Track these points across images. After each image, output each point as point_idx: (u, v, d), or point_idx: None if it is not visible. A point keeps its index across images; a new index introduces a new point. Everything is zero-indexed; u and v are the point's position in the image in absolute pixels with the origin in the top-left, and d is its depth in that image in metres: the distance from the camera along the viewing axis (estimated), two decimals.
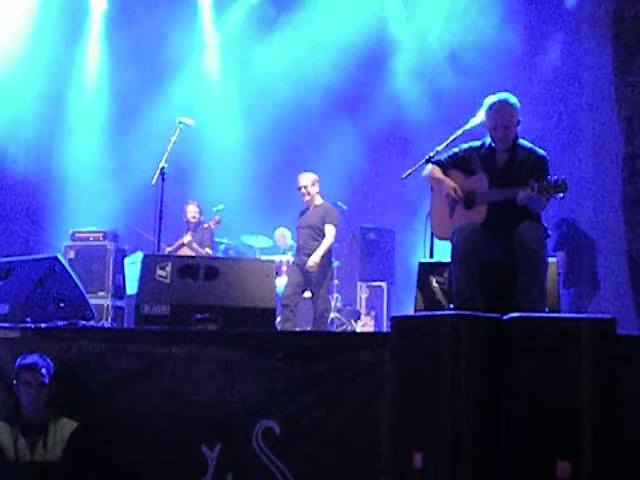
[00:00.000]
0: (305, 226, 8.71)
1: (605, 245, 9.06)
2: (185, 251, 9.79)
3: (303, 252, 8.64)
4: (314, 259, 8.43)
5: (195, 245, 9.80)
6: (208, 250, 9.91)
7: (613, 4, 7.30)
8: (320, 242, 8.56)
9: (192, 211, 10.18)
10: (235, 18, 12.36)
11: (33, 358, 4.65)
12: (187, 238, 9.83)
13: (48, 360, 4.69)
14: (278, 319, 8.21)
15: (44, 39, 11.69)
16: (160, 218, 7.38)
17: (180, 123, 7.95)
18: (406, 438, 3.52)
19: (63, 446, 4.57)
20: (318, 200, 8.83)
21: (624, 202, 6.57)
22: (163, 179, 7.40)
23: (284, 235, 10.54)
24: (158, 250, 7.38)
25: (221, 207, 10.12)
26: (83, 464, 4.58)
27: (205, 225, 10.00)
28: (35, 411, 4.61)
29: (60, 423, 4.63)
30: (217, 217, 9.90)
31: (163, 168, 7.43)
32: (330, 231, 8.60)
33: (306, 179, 8.76)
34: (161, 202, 7.38)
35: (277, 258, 9.77)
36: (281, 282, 9.15)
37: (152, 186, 7.40)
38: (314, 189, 8.74)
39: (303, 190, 8.76)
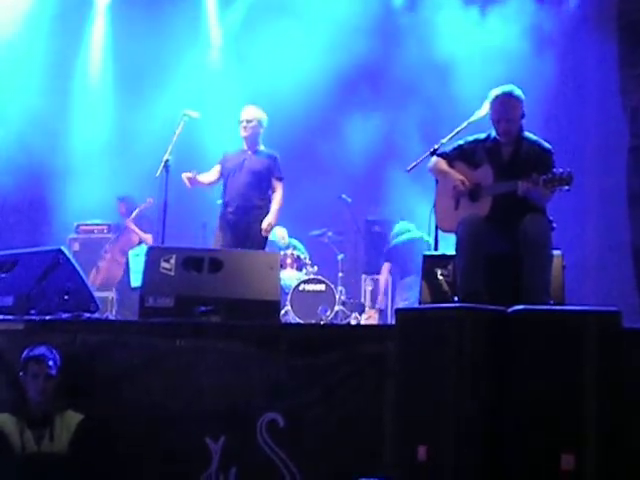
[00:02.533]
0: (247, 172, 7.48)
1: (610, 239, 9.03)
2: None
3: (239, 205, 7.47)
4: (270, 221, 7.37)
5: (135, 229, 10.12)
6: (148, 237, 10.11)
7: None
8: (263, 195, 7.53)
9: (121, 205, 10.47)
10: (240, 4, 12.33)
11: (41, 350, 4.66)
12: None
13: (55, 352, 4.70)
14: None
15: (47, 27, 11.66)
16: (165, 211, 7.25)
17: (184, 115, 7.77)
18: (410, 431, 3.51)
19: (69, 438, 4.59)
20: (261, 145, 7.70)
21: (629, 195, 6.55)
22: (167, 172, 7.26)
23: (282, 236, 10.50)
24: (163, 242, 7.25)
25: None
26: (89, 456, 4.58)
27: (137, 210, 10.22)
28: (41, 403, 4.62)
29: (66, 415, 4.64)
30: (149, 199, 10.03)
31: (167, 160, 7.28)
32: (281, 188, 7.55)
33: (250, 114, 7.62)
34: (165, 194, 7.26)
35: (281, 251, 9.75)
36: (285, 275, 9.13)
37: (156, 178, 7.38)
38: (257, 129, 7.59)
39: (242, 130, 7.56)
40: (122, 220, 10.53)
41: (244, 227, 7.36)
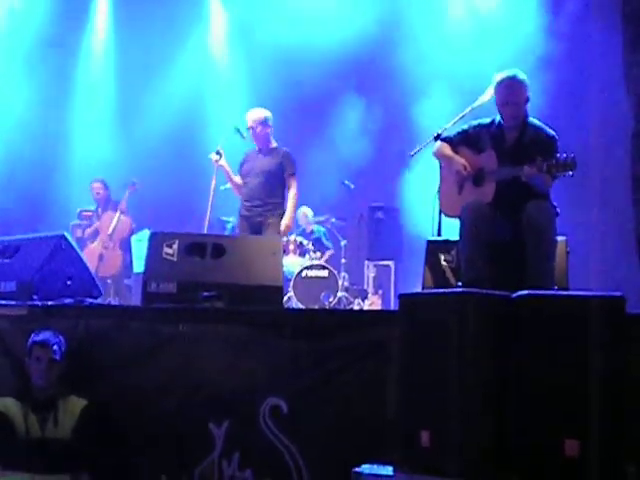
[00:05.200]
0: (259, 172, 7.72)
1: (613, 224, 9.01)
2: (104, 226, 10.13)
3: (253, 203, 7.70)
4: (287, 223, 7.62)
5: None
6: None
7: None
8: (275, 192, 7.72)
9: (96, 187, 10.33)
10: None
11: (45, 334, 4.66)
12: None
13: (60, 337, 4.70)
14: None
15: (49, 19, 11.66)
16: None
17: (237, 131, 7.90)
18: (413, 416, 3.51)
19: (73, 423, 4.59)
20: (273, 142, 7.90)
21: (633, 180, 6.53)
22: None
23: (306, 214, 10.53)
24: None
25: (229, 185, 10.10)
26: (93, 442, 4.59)
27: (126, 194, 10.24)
28: (45, 387, 4.62)
29: (69, 400, 4.64)
30: (133, 180, 10.21)
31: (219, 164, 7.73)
32: (295, 185, 7.74)
33: (255, 116, 7.83)
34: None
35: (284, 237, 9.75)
36: (288, 261, 9.13)
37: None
38: (265, 130, 7.80)
39: (251, 133, 7.79)
40: (95, 204, 10.49)
41: (259, 223, 7.54)
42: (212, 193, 7.96)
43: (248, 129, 7.79)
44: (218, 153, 7.84)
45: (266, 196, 7.66)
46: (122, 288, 10.10)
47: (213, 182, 7.95)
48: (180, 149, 11.61)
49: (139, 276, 6.38)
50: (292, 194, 7.68)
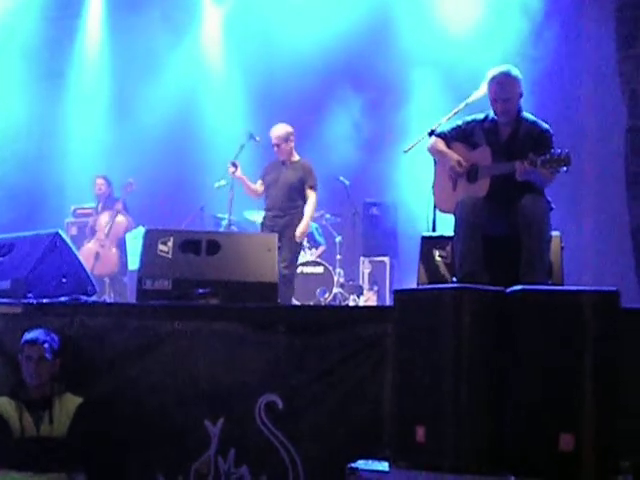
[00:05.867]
0: (282, 184, 8.06)
1: (609, 220, 9.03)
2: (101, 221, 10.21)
3: (276, 213, 8.05)
4: (303, 230, 7.97)
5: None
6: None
7: None
8: (297, 203, 8.06)
9: (99, 183, 10.39)
10: None
11: (36, 333, 4.65)
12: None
13: (53, 335, 4.69)
14: None
15: (43, 16, 11.65)
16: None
17: (250, 137, 8.37)
18: (408, 412, 3.51)
19: (68, 421, 4.59)
20: (295, 156, 8.26)
21: (628, 176, 6.54)
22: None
23: None
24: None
25: (223, 183, 10.07)
26: (88, 439, 4.59)
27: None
28: (37, 386, 4.61)
29: (64, 398, 4.64)
30: (130, 180, 10.29)
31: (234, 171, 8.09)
32: (314, 196, 8.10)
33: (279, 133, 8.14)
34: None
35: None
36: None
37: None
38: (288, 145, 8.14)
39: (275, 148, 8.16)
40: (96, 200, 10.54)
41: (279, 232, 7.65)
42: (230, 205, 8.42)
43: (273, 146, 8.16)
44: (234, 165, 8.20)
45: (287, 207, 8.03)
46: (122, 287, 10.12)
47: (230, 195, 8.36)
48: (175, 147, 11.60)
49: (134, 274, 6.38)
50: (310, 204, 8.07)
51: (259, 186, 8.30)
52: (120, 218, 10.22)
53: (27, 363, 4.60)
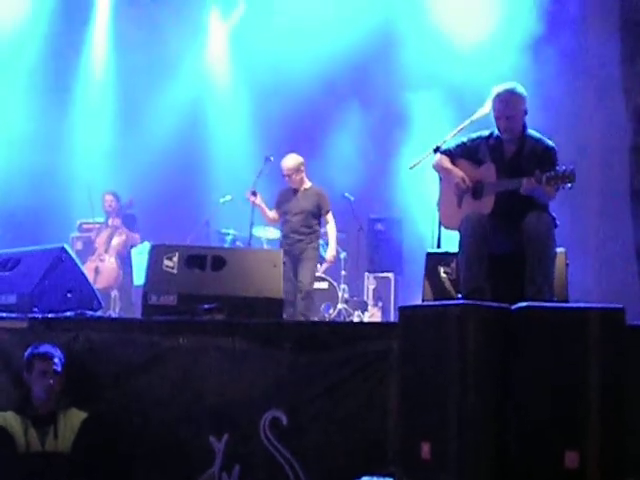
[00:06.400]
0: (297, 211, 8.45)
1: (613, 235, 9.02)
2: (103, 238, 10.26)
3: (293, 237, 8.42)
4: (333, 253, 8.67)
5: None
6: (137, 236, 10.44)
7: None
8: (313, 228, 8.48)
9: (108, 200, 10.42)
10: (241, 7, 12.36)
11: (46, 347, 4.66)
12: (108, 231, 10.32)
13: (58, 350, 4.70)
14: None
15: (49, 29, 11.70)
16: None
17: (266, 160, 8.74)
18: (414, 428, 3.51)
19: (73, 436, 4.58)
20: (307, 183, 8.63)
21: (631, 193, 6.54)
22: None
23: None
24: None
25: (228, 198, 10.14)
26: (93, 454, 4.58)
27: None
28: (48, 401, 4.61)
29: (69, 413, 4.64)
30: (130, 198, 10.43)
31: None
32: (333, 219, 8.62)
33: (289, 165, 8.48)
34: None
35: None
36: None
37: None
38: (299, 175, 8.50)
39: (287, 179, 8.55)
40: (106, 216, 10.56)
41: (298, 255, 8.34)
42: (250, 227, 8.82)
43: (284, 176, 8.51)
44: (254, 193, 8.58)
45: (305, 232, 8.43)
46: (130, 302, 10.13)
47: (250, 219, 8.75)
48: (180, 162, 11.64)
49: (140, 289, 6.39)
50: (331, 228, 8.65)
51: (275, 214, 8.69)
52: (121, 233, 10.25)
53: (41, 378, 4.60)
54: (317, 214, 8.51)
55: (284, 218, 8.57)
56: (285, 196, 8.61)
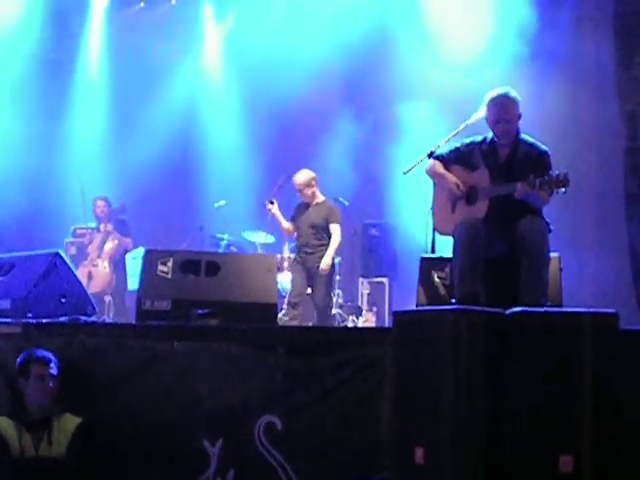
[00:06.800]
0: (308, 225, 8.74)
1: (607, 239, 9.04)
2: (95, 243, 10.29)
3: (305, 250, 8.72)
4: (327, 262, 8.57)
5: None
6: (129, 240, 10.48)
7: None
8: (323, 241, 8.67)
9: (99, 205, 10.44)
10: (235, 11, 12.36)
11: (42, 352, 4.65)
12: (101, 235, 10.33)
13: (52, 355, 4.69)
14: (284, 317, 8.29)
15: (42, 33, 11.69)
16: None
17: (288, 178, 9.00)
18: (407, 433, 3.51)
19: (67, 442, 4.57)
20: (319, 198, 8.87)
21: (626, 196, 6.57)
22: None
23: None
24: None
25: (223, 203, 10.14)
26: (87, 459, 4.57)
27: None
28: (43, 406, 4.60)
29: (63, 419, 4.62)
30: (121, 203, 10.49)
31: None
32: (337, 231, 8.71)
33: (300, 180, 8.77)
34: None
35: (278, 255, 9.76)
36: (282, 278, 9.14)
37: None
38: (310, 190, 8.75)
39: (299, 193, 8.83)
40: (97, 222, 10.57)
41: (310, 267, 8.67)
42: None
43: (297, 191, 8.79)
44: (271, 202, 8.91)
45: (316, 245, 8.69)
46: (124, 307, 10.12)
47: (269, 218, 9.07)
48: (175, 166, 11.64)
49: (134, 294, 6.39)
50: (334, 238, 8.70)
51: (290, 225, 8.95)
52: (114, 238, 10.25)
53: (39, 383, 4.59)
54: (327, 228, 8.74)
55: (298, 231, 8.87)
56: (299, 210, 8.92)
